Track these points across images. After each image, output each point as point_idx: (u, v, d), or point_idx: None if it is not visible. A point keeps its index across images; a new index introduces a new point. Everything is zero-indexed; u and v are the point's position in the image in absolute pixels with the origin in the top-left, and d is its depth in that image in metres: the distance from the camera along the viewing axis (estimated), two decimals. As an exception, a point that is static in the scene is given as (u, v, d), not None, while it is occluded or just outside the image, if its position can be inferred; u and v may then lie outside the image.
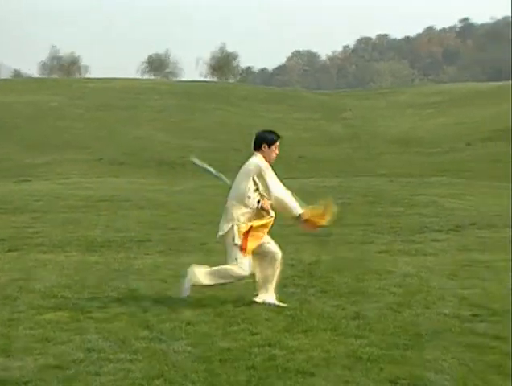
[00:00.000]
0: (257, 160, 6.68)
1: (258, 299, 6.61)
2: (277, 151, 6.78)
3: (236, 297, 6.83)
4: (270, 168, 6.72)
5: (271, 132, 6.88)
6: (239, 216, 6.54)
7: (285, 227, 12.07)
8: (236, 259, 6.50)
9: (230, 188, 6.81)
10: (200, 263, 8.82)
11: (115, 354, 5.03)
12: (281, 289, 7.17)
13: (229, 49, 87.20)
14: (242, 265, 6.50)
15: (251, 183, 6.61)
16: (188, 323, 5.86)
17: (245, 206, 6.58)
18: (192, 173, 28.98)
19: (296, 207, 6.72)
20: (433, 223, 12.30)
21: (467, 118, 44.74)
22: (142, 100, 48.36)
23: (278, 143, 6.79)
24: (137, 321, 5.96)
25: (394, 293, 6.94)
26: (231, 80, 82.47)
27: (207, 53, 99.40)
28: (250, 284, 7.44)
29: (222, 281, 6.62)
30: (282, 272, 8.11)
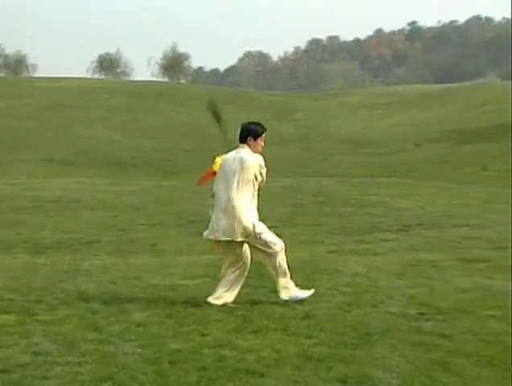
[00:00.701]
0: (253, 156, 6.61)
1: (217, 301, 6.50)
2: (262, 143, 6.74)
3: (186, 298, 6.81)
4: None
5: (257, 124, 6.83)
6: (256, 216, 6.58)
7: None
8: (271, 244, 6.54)
9: (228, 187, 6.53)
10: (150, 264, 8.82)
11: (63, 357, 4.96)
12: (232, 290, 7.18)
13: (181, 49, 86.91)
14: (276, 241, 6.59)
15: (255, 181, 6.58)
16: (138, 325, 5.81)
17: (254, 204, 6.59)
18: (144, 173, 28.80)
19: None
20: (382, 224, 12.47)
21: (415, 119, 45.52)
22: (93, 100, 47.78)
23: (264, 135, 6.76)
24: (85, 323, 5.88)
25: (344, 292, 7.01)
26: (182, 81, 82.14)
27: (159, 53, 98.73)
28: (200, 285, 7.44)
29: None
30: (232, 272, 8.15)
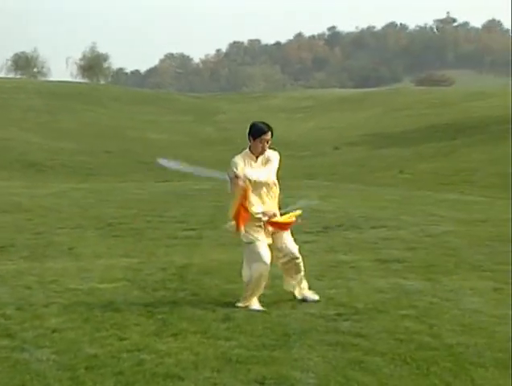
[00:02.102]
0: (236, 155, 6.64)
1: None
2: (264, 144, 6.52)
3: (105, 302, 6.69)
4: (244, 161, 6.56)
5: (263, 123, 6.65)
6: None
7: (156, 230, 11.99)
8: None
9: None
10: (68, 268, 8.62)
11: (-29, 366, 4.78)
12: (151, 293, 7.11)
13: (101, 49, 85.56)
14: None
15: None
16: (54, 331, 5.67)
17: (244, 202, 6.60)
18: (62, 175, 28.14)
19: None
20: (303, 225, 12.58)
21: (335, 123, 46.33)
22: (7, 100, 46.37)
23: (266, 136, 6.51)
24: (-3, 330, 5.69)
25: (264, 294, 7.02)
26: (102, 81, 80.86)
27: (78, 53, 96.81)
28: (119, 288, 7.33)
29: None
30: (152, 275, 8.09)
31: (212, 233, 11.72)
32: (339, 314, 6.21)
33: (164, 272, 8.29)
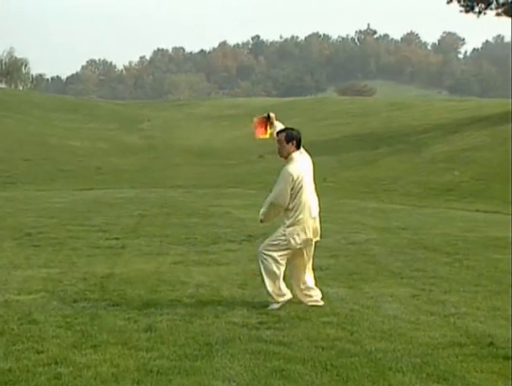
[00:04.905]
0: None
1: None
2: (278, 145, 7.36)
3: (21, 314, 6.51)
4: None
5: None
6: None
7: (77, 239, 11.75)
8: None
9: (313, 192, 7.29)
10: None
11: None
12: (71, 304, 6.96)
13: (19, 55, 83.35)
14: None
15: None
16: (-34, 345, 5.46)
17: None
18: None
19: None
20: (227, 234, 12.60)
21: (259, 132, 46.48)
22: None
23: (277, 137, 7.43)
24: None
25: (187, 303, 7.01)
26: (21, 87, 78.86)
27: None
28: (37, 300, 7.14)
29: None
30: (72, 286, 7.92)
31: (135, 242, 11.58)
32: (261, 323, 6.23)
33: (85, 282, 8.13)
